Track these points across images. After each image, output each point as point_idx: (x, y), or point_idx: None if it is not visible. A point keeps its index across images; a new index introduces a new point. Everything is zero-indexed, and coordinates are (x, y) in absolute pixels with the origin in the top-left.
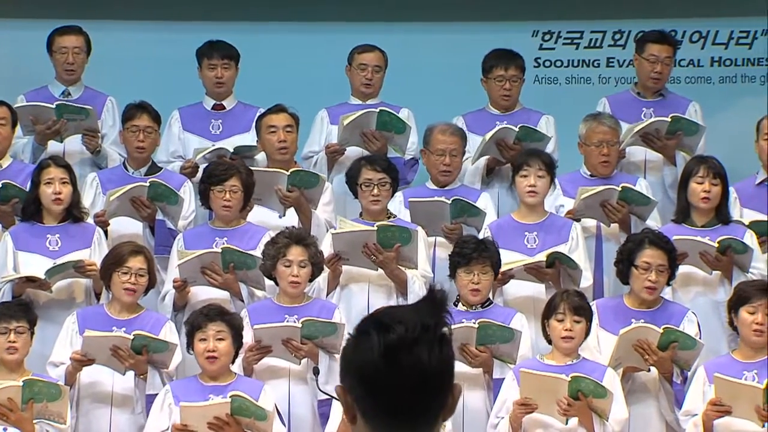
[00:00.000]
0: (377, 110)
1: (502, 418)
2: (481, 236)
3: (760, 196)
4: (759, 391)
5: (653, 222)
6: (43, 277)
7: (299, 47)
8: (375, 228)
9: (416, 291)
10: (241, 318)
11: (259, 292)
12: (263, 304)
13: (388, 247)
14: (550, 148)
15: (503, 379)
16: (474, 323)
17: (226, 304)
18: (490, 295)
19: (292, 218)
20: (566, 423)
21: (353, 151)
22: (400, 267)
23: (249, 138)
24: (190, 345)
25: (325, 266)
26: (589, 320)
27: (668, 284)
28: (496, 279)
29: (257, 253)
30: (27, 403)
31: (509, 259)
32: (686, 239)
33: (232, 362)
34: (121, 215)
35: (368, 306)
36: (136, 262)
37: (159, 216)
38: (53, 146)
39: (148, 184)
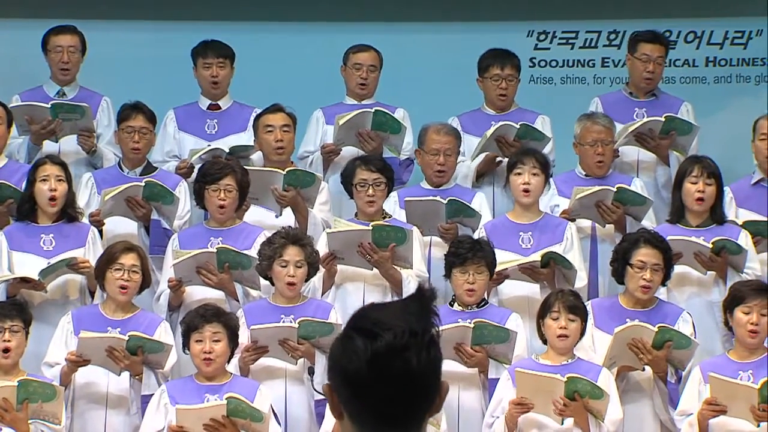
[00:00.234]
0: (372, 110)
1: (498, 417)
2: (476, 236)
3: (757, 196)
4: (754, 391)
5: (648, 222)
6: (37, 278)
7: (295, 47)
8: (370, 227)
9: (411, 291)
10: (237, 318)
11: (254, 292)
12: (259, 305)
13: (383, 247)
14: (546, 149)
15: (498, 378)
16: (469, 323)
17: (221, 304)
18: (485, 295)
19: (288, 218)
20: (562, 423)
21: (349, 151)
22: (396, 267)
23: (245, 138)
24: (185, 345)
25: (320, 266)
26: (584, 320)
27: (663, 284)
28: (491, 279)
29: (252, 252)
30: (22, 404)
31: (504, 259)
32: (681, 240)
33: (228, 362)
34: (116, 215)
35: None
36: (129, 259)
37: (154, 216)
38: (48, 146)
39: (143, 183)
